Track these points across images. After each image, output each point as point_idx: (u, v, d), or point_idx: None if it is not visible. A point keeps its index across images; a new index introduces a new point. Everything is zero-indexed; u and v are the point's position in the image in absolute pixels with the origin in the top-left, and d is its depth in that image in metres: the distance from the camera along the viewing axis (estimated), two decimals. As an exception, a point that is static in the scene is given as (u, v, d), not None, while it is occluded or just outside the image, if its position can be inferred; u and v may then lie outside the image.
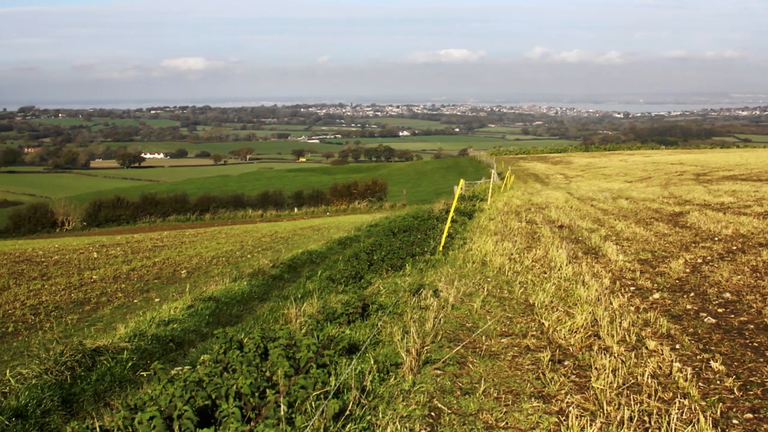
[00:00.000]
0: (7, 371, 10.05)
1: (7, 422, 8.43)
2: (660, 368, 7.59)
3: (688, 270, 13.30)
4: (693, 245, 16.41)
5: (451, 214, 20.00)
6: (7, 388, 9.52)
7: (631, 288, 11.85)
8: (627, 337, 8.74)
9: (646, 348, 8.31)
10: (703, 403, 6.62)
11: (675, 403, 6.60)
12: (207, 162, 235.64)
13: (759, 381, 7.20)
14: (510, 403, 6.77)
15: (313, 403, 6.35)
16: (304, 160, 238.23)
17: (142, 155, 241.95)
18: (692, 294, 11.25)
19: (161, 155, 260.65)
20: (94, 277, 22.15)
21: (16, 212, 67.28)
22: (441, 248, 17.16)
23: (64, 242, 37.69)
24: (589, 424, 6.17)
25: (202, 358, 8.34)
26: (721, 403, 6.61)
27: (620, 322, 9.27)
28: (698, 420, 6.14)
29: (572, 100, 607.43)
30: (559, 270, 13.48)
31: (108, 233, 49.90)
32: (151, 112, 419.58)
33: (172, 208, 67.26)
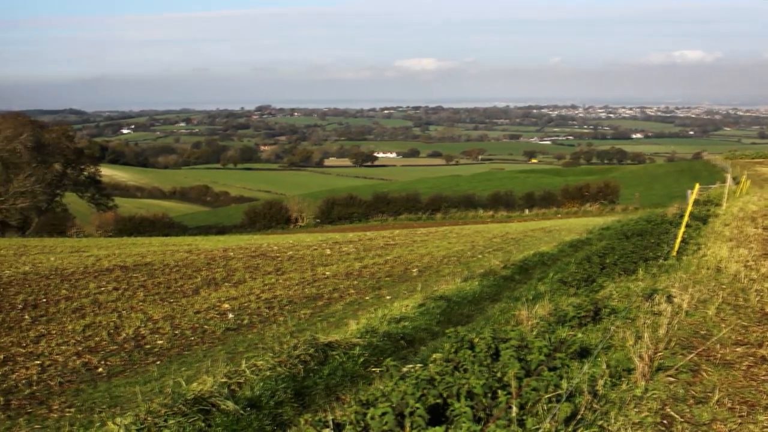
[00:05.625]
0: (243, 362, 10.41)
1: (242, 411, 8.73)
2: None
3: None
4: None
5: (686, 218, 19.29)
6: (243, 378, 9.83)
7: None
8: None
9: None
10: None
11: None
12: (438, 162, 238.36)
13: None
14: (744, 414, 6.48)
15: (544, 405, 6.26)
16: (535, 161, 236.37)
17: (375, 154, 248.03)
18: None
19: (393, 154, 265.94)
20: (326, 273, 22.76)
21: (251, 208, 71.09)
22: (674, 253, 16.54)
23: (298, 238, 39.07)
24: (826, 440, 5.79)
25: (433, 356, 8.33)
26: None
27: None
28: None
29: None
30: (797, 279, 12.72)
31: (340, 230, 51.35)
32: (384, 111, 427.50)
33: (403, 206, 68.29)
